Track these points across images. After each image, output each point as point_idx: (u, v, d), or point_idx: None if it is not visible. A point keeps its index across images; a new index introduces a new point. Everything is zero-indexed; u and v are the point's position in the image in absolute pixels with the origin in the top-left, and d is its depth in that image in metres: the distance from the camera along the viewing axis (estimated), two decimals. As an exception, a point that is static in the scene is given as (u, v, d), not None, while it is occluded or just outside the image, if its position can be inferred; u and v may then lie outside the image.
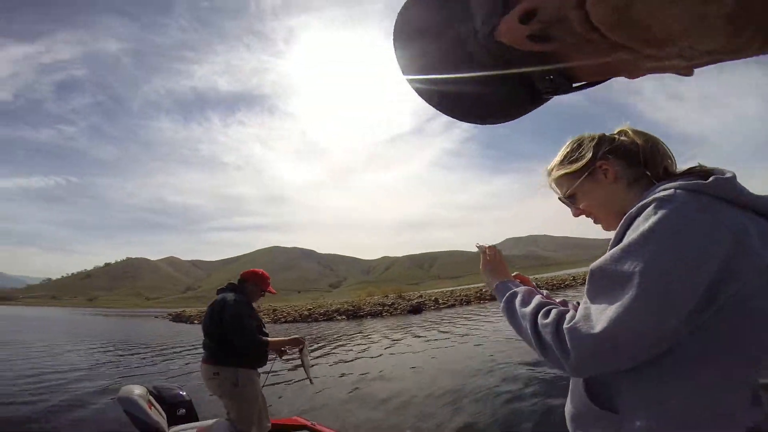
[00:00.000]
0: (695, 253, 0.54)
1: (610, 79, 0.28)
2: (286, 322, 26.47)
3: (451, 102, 0.33)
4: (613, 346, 0.55)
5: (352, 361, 9.73)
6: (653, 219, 0.57)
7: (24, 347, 14.99)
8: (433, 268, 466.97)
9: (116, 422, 2.38)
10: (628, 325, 0.54)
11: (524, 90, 0.30)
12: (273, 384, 6.45)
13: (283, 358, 2.81)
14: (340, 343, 13.60)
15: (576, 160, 0.78)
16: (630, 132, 0.77)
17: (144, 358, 11.56)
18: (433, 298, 28.95)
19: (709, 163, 0.68)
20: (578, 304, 0.82)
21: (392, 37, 0.33)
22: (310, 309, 31.48)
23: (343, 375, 7.92)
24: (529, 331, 0.66)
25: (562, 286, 29.13)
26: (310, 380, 2.75)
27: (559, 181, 0.82)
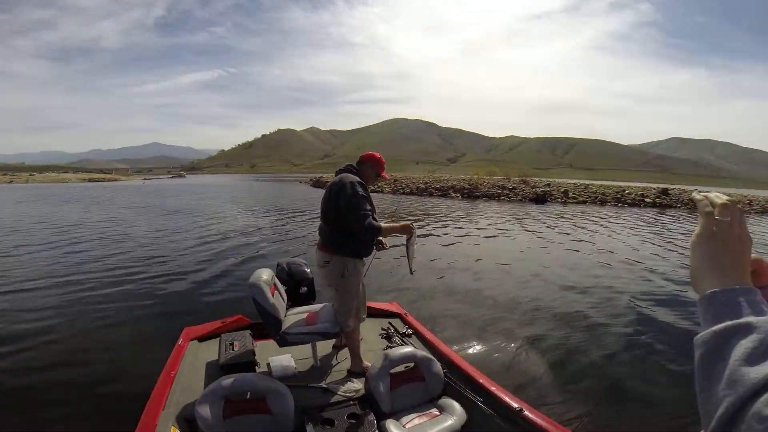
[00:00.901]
0: None
1: None
2: (403, 193, 27.37)
3: None
4: None
5: (449, 245, 9.39)
6: None
7: (201, 217, 17.66)
8: (567, 156, 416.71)
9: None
10: None
11: None
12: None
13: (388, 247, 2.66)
14: (446, 222, 13.29)
15: None
16: None
17: (285, 225, 13.09)
18: (562, 190, 25.86)
19: None
20: None
21: None
22: (426, 183, 31.69)
23: (434, 260, 7.65)
24: (726, 405, 0.36)
25: (732, 208, 22.37)
26: (411, 271, 2.63)
27: None
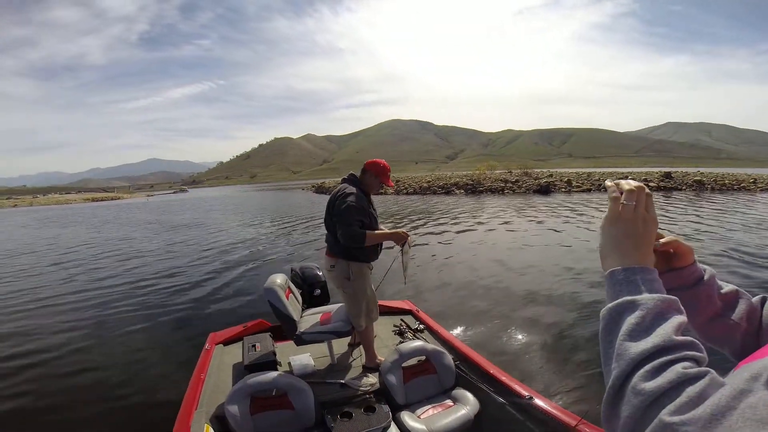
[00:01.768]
0: None
1: None
2: (406, 193, 27.44)
3: None
4: None
5: (456, 241, 9.50)
6: None
7: (211, 228, 18.09)
8: (565, 146, 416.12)
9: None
10: None
11: None
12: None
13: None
14: (451, 219, 13.39)
15: None
16: None
17: (289, 232, 13.39)
18: (565, 179, 25.87)
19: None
20: (764, 300, 0.58)
21: None
22: (429, 182, 31.75)
23: (433, 256, 7.76)
24: (612, 378, 0.40)
25: (735, 187, 22.04)
26: (405, 280, 2.67)
27: None
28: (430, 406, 2.16)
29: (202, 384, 2.29)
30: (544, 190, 22.87)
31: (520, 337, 4.00)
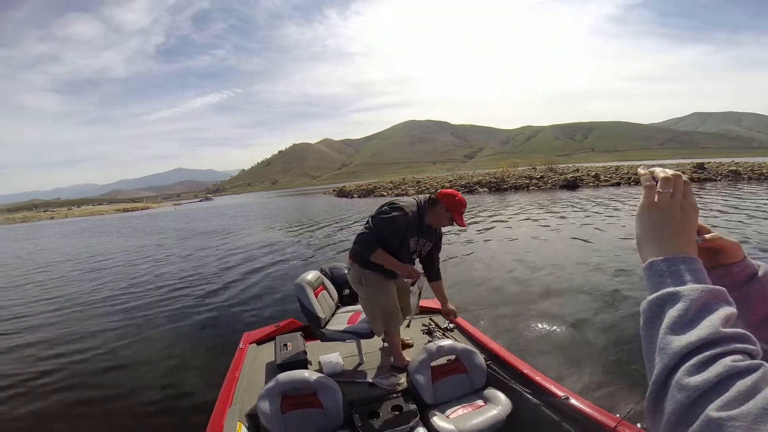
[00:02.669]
0: None
1: None
2: (428, 193, 27.20)
3: None
4: None
5: (485, 239, 9.42)
6: None
7: (239, 233, 18.93)
8: (587, 140, 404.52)
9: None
10: None
11: None
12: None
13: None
14: (478, 217, 13.30)
15: None
16: None
17: (317, 235, 13.55)
18: (592, 174, 25.21)
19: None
20: None
21: None
22: (451, 181, 31.54)
23: (449, 258, 7.64)
24: (655, 374, 0.38)
25: (774, 176, 20.71)
26: (408, 322, 2.62)
27: None
28: (459, 406, 2.12)
29: (236, 382, 2.36)
30: (572, 185, 22.35)
31: (553, 335, 3.87)
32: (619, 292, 4.90)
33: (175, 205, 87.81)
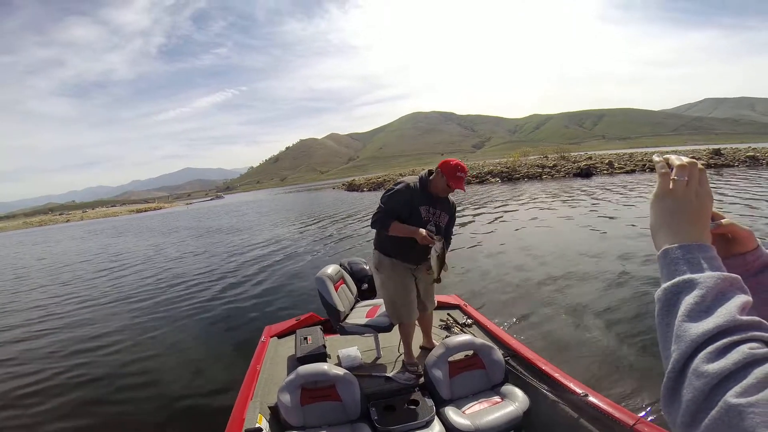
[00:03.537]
0: None
1: None
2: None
3: None
4: None
5: (502, 230, 9.40)
6: None
7: (254, 230, 20.17)
8: (597, 127, 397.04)
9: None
10: None
11: None
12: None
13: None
14: (490, 207, 13.23)
15: None
16: None
17: (334, 229, 13.60)
18: (606, 161, 24.83)
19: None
20: None
21: None
22: (462, 172, 31.16)
23: (476, 245, 7.61)
24: (672, 362, 0.37)
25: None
26: (436, 279, 2.41)
27: None
28: (476, 402, 2.10)
29: (257, 375, 2.41)
30: (585, 173, 22.05)
31: (572, 330, 3.80)
32: (635, 283, 4.80)
33: (187, 204, 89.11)
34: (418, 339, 2.74)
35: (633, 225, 7.96)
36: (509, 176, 24.92)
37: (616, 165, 23.39)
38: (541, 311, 4.29)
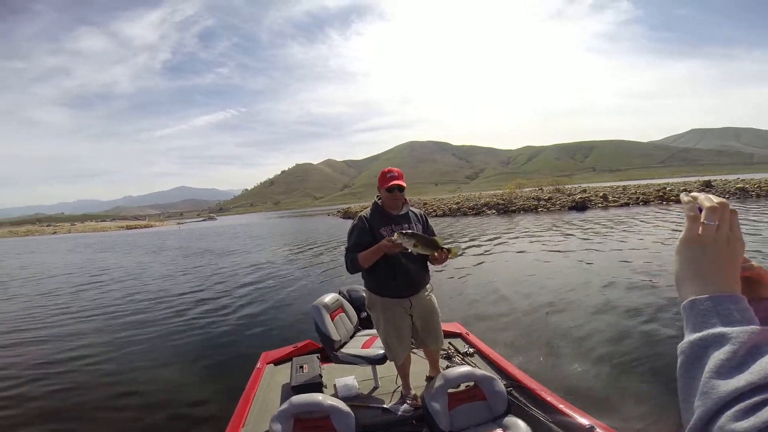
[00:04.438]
0: None
1: None
2: (436, 216, 27.20)
3: None
4: None
5: (497, 261, 9.30)
6: None
7: (251, 254, 20.04)
8: (588, 159, 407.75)
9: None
10: None
11: None
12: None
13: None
14: (487, 240, 13.19)
15: None
16: None
17: (324, 257, 13.51)
18: (600, 194, 25.18)
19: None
20: None
21: None
22: (458, 203, 31.52)
23: (482, 278, 7.47)
24: (696, 418, 0.35)
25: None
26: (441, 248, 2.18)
27: None
28: None
29: (250, 402, 2.40)
30: (580, 206, 22.24)
31: (575, 364, 3.72)
32: (637, 316, 4.77)
33: (179, 224, 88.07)
34: (423, 369, 2.67)
35: (649, 261, 7.87)
36: (505, 208, 25.02)
37: (610, 198, 23.68)
38: (547, 341, 4.21)
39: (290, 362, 2.79)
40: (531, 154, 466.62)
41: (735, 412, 0.32)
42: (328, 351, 2.58)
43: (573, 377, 3.46)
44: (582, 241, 10.95)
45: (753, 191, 22.34)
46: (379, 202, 2.36)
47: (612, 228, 13.45)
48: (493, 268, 8.33)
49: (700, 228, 0.44)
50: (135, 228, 73.64)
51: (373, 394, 2.53)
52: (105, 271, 12.92)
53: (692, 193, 0.47)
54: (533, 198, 26.68)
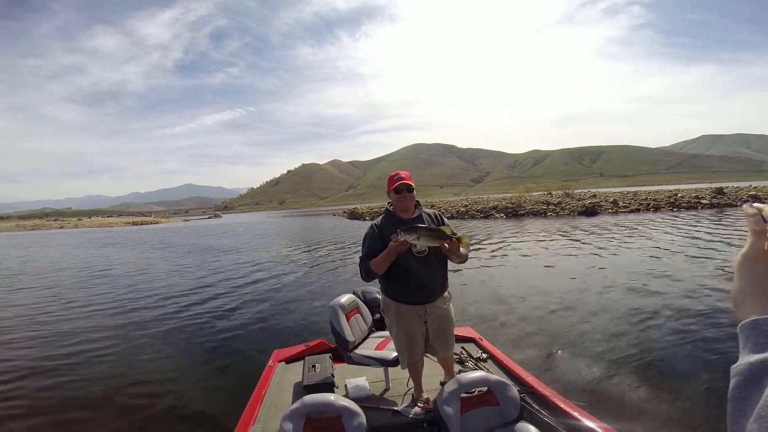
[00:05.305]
0: None
1: None
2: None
3: None
4: None
5: (507, 266, 9.30)
6: None
7: (263, 251, 20.93)
8: (595, 164, 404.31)
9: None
10: None
11: None
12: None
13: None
14: (499, 243, 13.06)
15: None
16: None
17: (335, 254, 13.55)
18: (610, 200, 24.89)
19: None
20: None
21: None
22: (466, 206, 31.34)
23: (494, 281, 7.39)
24: None
25: (790, 200, 20.94)
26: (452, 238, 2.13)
27: None
28: None
29: (261, 401, 2.41)
30: (590, 211, 22.00)
31: (596, 367, 3.67)
32: (655, 322, 4.69)
33: (185, 221, 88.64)
34: (437, 374, 2.64)
35: (666, 268, 7.69)
36: (514, 212, 24.82)
37: (620, 204, 23.41)
38: (563, 348, 4.13)
39: (302, 361, 2.82)
40: (538, 158, 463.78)
41: None
42: (342, 351, 2.59)
43: (588, 382, 3.41)
44: (593, 247, 10.83)
45: (766, 199, 22.08)
46: (390, 207, 2.34)
47: (630, 234, 13.29)
48: (505, 272, 8.25)
49: (767, 243, 0.41)
50: (141, 224, 74.15)
51: (384, 396, 2.53)
52: (113, 266, 13.07)
53: (756, 204, 0.43)
54: (542, 202, 26.45)
